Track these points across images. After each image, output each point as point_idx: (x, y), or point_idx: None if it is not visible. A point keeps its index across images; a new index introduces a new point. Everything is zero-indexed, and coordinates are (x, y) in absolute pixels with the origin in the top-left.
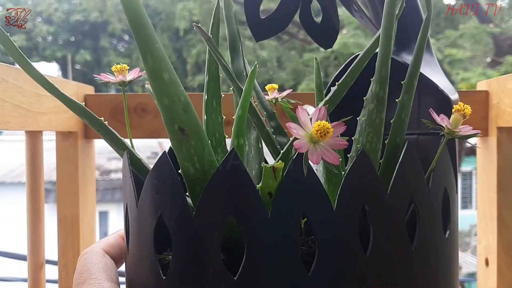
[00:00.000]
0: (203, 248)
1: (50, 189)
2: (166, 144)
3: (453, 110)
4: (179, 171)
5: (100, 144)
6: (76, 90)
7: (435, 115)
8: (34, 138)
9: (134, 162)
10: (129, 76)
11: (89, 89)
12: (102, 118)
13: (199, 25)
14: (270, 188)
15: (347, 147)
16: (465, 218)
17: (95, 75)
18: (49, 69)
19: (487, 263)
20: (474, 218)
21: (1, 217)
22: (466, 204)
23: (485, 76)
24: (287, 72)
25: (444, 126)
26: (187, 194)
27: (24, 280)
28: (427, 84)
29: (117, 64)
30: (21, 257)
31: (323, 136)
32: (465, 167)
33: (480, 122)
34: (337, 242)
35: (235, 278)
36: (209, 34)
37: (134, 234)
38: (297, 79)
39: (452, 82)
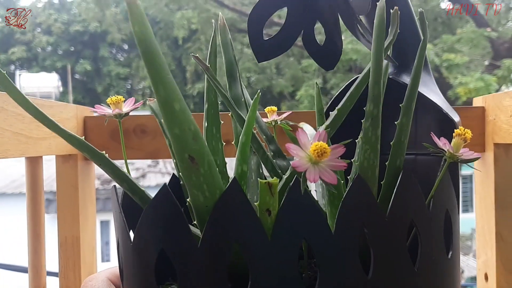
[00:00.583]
0: (210, 278)
1: (51, 199)
2: None
3: (454, 134)
4: (188, 200)
5: None
6: (76, 112)
7: (436, 139)
8: (34, 164)
9: (136, 193)
10: (125, 108)
11: (89, 111)
12: (104, 152)
13: (197, 55)
14: (268, 204)
15: (346, 168)
16: (466, 221)
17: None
18: (49, 80)
19: (486, 278)
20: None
21: (2, 228)
22: (467, 207)
23: (483, 81)
24: (286, 78)
25: (446, 150)
26: (194, 223)
27: None
28: (425, 105)
29: (112, 96)
30: (22, 269)
31: (320, 156)
32: (465, 170)
33: (477, 138)
34: (338, 265)
35: None
36: (207, 63)
37: (130, 270)
38: (296, 85)
39: (450, 86)
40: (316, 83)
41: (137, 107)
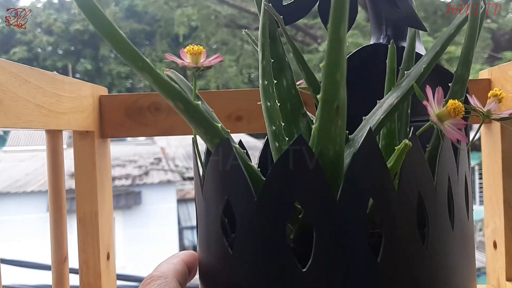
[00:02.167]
0: (351, 231)
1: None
2: (168, 150)
3: (489, 94)
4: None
5: None
6: (92, 91)
7: (474, 100)
8: (55, 137)
9: (236, 157)
10: (206, 61)
11: (103, 90)
12: (200, 103)
13: (269, 5)
14: (399, 166)
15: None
16: None
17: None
18: None
19: (495, 245)
20: (479, 213)
21: (7, 227)
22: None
23: None
24: None
25: (485, 110)
26: None
27: None
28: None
29: (192, 45)
30: (28, 265)
31: (457, 114)
32: None
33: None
34: (402, 232)
35: None
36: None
37: (254, 230)
38: (296, 80)
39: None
40: (392, 42)
41: (221, 60)
